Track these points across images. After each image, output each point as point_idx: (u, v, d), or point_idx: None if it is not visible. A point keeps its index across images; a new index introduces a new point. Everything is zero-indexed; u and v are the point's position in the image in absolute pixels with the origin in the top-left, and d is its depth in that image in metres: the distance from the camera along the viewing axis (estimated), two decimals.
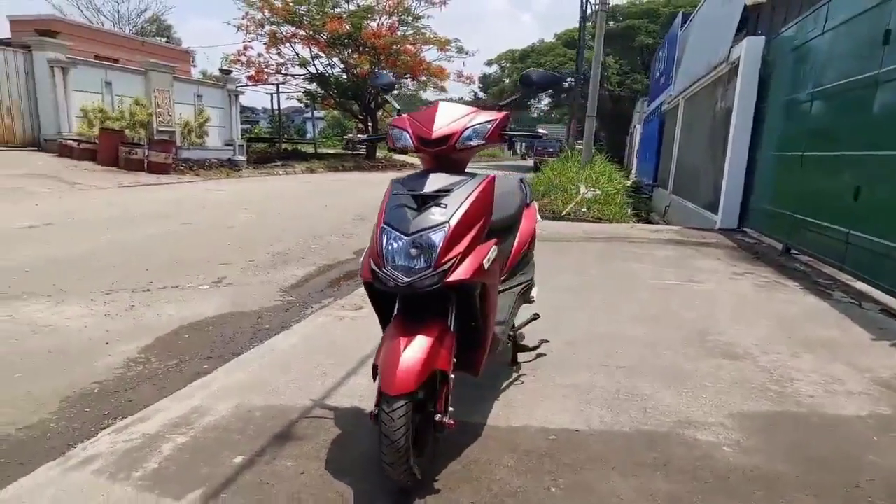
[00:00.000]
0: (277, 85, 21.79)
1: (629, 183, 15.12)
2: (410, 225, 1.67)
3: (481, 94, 42.12)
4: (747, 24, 8.12)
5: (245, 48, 20.65)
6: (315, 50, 21.01)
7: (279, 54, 21.39)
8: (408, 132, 1.89)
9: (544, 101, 37.43)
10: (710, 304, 3.75)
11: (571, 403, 2.26)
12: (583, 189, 8.96)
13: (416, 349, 1.60)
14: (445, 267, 1.63)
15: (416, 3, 21.15)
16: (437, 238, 1.64)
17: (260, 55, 21.23)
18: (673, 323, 3.31)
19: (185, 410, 2.22)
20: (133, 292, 3.90)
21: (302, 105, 36.10)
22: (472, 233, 1.73)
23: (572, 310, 3.57)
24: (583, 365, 2.66)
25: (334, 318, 3.35)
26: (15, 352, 2.83)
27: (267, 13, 19.64)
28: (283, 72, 22.52)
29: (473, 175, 1.88)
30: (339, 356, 2.77)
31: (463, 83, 23.48)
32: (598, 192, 8.87)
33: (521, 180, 2.93)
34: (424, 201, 1.74)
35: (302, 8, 19.71)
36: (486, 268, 1.73)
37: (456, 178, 1.82)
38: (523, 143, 41.25)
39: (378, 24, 21.11)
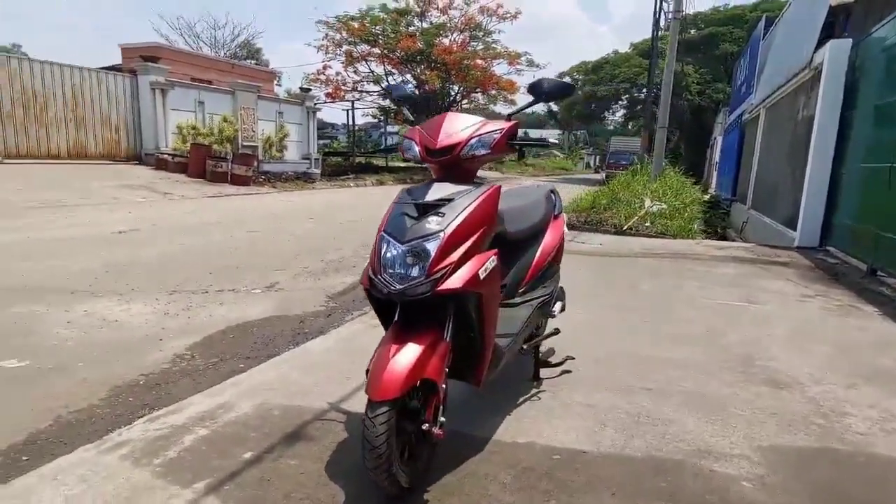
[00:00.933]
0: (352, 101, 22.78)
1: (706, 197, 14.33)
2: (407, 233, 1.70)
3: (554, 107, 41.70)
4: (833, 28, 7.50)
5: (324, 67, 21.80)
6: (388, 67, 21.77)
7: (355, 72, 22.40)
8: (416, 143, 1.93)
9: (619, 113, 36.35)
10: (765, 326, 3.47)
11: (585, 423, 2.18)
12: (647, 203, 8.60)
13: (404, 357, 1.61)
14: (437, 275, 1.64)
15: (487, 19, 21.45)
16: (432, 247, 1.66)
17: (338, 73, 22.32)
18: (716, 346, 3.09)
19: (213, 406, 2.37)
20: (192, 293, 4.21)
21: (377, 120, 37.44)
22: (469, 242, 1.73)
23: (609, 328, 3.44)
24: (607, 385, 2.55)
25: (368, 326, 3.43)
26: (82, 343, 3.14)
27: (345, 34, 20.64)
28: (359, 89, 23.51)
29: (479, 185, 1.88)
30: (364, 362, 2.81)
31: None
32: (664, 206, 8.48)
33: (552, 191, 2.88)
34: (426, 210, 1.76)
35: (377, 28, 20.54)
36: (481, 278, 1.72)
37: (459, 188, 1.83)
38: (597, 156, 40.26)
39: (450, 41, 21.56)
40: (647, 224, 8.00)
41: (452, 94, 23.07)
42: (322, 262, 5.62)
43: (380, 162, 25.57)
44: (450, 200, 1.79)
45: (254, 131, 17.15)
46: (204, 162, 13.75)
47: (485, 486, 1.77)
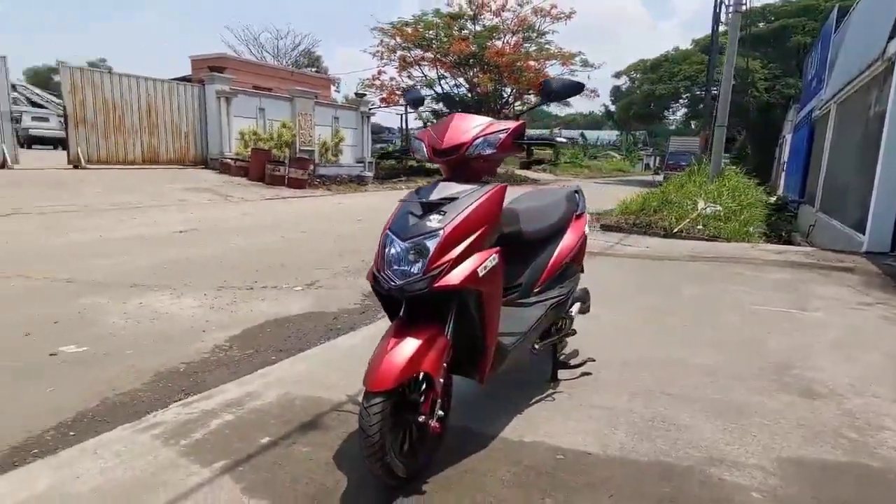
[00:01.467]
0: (406, 105, 23.14)
1: (771, 200, 13.54)
2: (409, 231, 1.76)
3: (612, 107, 40.65)
4: None
5: (379, 73, 22.31)
6: (441, 71, 22.00)
7: (409, 77, 22.77)
8: (424, 143, 1.99)
9: (680, 112, 34.92)
10: (810, 334, 3.27)
11: (596, 426, 2.15)
12: (701, 205, 8.24)
13: (401, 350, 1.67)
14: (435, 272, 1.69)
15: (541, 20, 21.25)
16: (431, 244, 1.70)
17: (392, 79, 22.78)
18: (753, 352, 2.95)
19: (241, 394, 2.51)
20: (238, 290, 4.45)
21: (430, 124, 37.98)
22: (470, 240, 1.76)
23: (643, 332, 3.36)
24: (627, 388, 2.50)
25: None
26: (134, 332, 3.40)
27: (399, 39, 21.06)
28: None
29: (485, 184, 1.91)
30: None
31: (587, 97, 22.89)
32: (719, 208, 8.09)
33: (575, 192, 2.86)
34: (430, 209, 1.81)
35: (430, 32, 20.82)
36: (480, 275, 1.75)
37: (464, 188, 1.87)
38: (656, 157, 38.87)
39: (503, 43, 21.53)
40: (699, 227, 7.67)
41: (505, 96, 23.02)
42: (363, 261, 5.78)
43: (433, 165, 25.87)
44: (453, 199, 1.83)
45: (311, 136, 17.78)
46: (263, 166, 14.40)
47: (483, 481, 1.79)
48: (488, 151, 1.90)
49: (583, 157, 38.25)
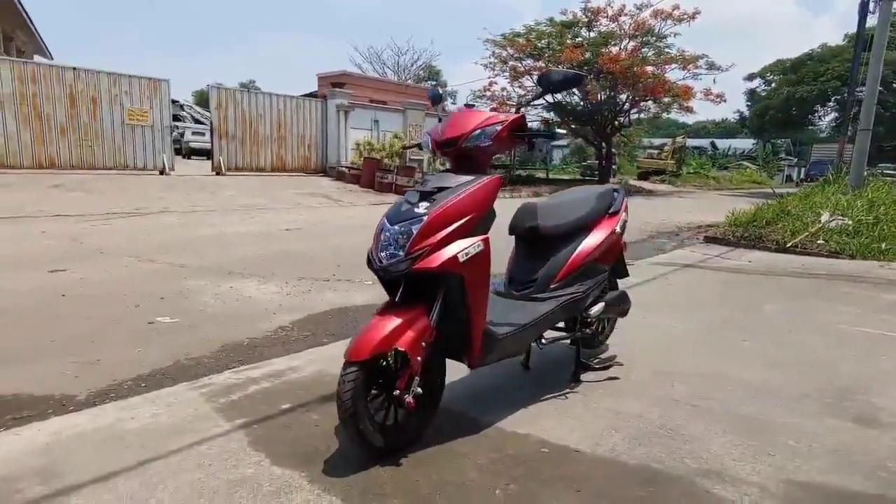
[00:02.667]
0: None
1: None
2: (399, 216, 1.89)
3: (746, 112, 37.13)
4: None
5: (490, 84, 22.62)
6: None
7: (520, 86, 22.79)
8: (430, 137, 2.11)
9: (830, 116, 30.82)
10: None
11: (596, 426, 2.09)
12: (825, 217, 7.29)
13: (380, 327, 1.79)
14: (416, 255, 1.79)
15: (662, 23, 20.12)
16: (414, 228, 1.82)
17: (503, 89, 22.97)
18: (816, 373, 2.63)
19: (285, 367, 2.79)
20: (315, 281, 4.86)
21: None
22: (454, 226, 1.84)
23: (695, 342, 3.14)
24: (650, 395, 2.38)
25: None
26: (218, 310, 3.89)
27: (511, 50, 21.21)
28: (525, 103, 23.85)
29: (481, 176, 1.98)
30: None
31: (712, 101, 21.14)
32: (847, 221, 7.09)
33: (615, 190, 2.78)
34: (425, 198, 1.93)
35: (542, 42, 20.70)
36: (460, 260, 1.82)
37: (461, 178, 1.96)
38: (799, 168, 34.68)
39: (620, 49, 20.74)
40: (819, 241, 6.80)
41: (620, 103, 22.11)
42: None
43: (541, 174, 25.59)
44: (445, 188, 1.93)
45: (420, 147, 18.58)
46: (373, 174, 15.34)
47: (459, 463, 1.85)
48: (485, 143, 1.97)
49: (710, 168, 35.34)
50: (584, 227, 2.52)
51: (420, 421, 1.98)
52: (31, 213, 8.31)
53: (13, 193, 9.91)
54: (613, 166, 31.36)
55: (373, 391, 1.87)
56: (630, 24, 20.57)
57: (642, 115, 24.69)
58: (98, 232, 6.96)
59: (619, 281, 3.01)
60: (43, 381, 2.58)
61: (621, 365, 2.56)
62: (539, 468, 1.79)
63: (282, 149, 16.25)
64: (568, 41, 20.49)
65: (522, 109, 2.15)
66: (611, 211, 2.66)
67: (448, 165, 2.14)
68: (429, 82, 38.97)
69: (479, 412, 2.23)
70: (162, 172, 13.92)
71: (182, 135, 26.66)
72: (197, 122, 32.56)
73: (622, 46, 21.00)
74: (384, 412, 1.89)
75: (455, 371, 2.61)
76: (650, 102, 22.71)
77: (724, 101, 20.83)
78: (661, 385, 2.49)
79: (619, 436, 2.01)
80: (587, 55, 20.37)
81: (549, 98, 23.02)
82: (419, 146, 2.46)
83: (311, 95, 17.48)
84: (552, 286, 2.39)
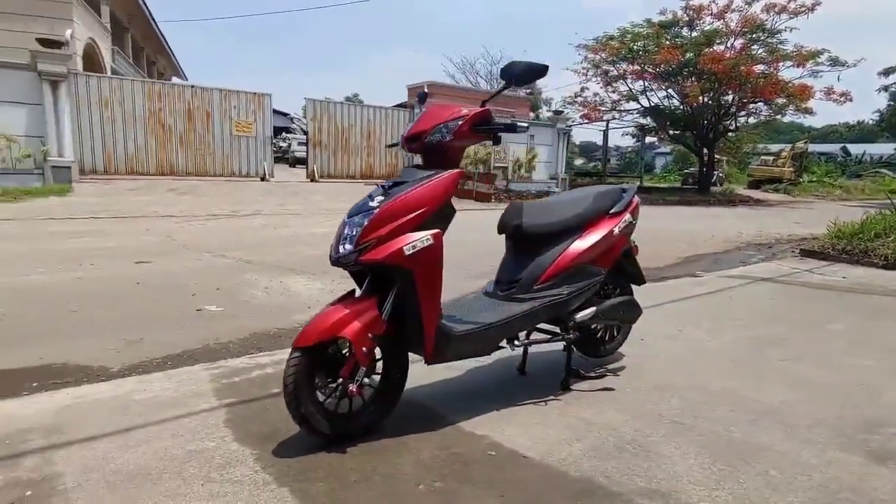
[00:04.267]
0: (607, 122, 22.39)
1: None
2: (356, 210, 1.95)
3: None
4: None
5: (581, 89, 22.03)
6: (647, 82, 20.71)
7: (613, 91, 21.97)
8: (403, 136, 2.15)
9: None
10: None
11: (560, 435, 1.99)
12: None
13: (328, 316, 1.86)
14: (363, 246, 1.84)
15: (775, 17, 18.35)
16: (365, 220, 1.87)
17: (595, 94, 22.27)
18: (847, 401, 2.30)
19: None
20: (344, 278, 5.05)
21: (655, 140, 35.68)
22: (403, 219, 1.86)
23: (724, 358, 2.87)
24: (636, 409, 2.22)
25: None
26: (262, 302, 4.19)
27: (603, 55, 20.52)
28: (618, 108, 22.96)
29: (440, 171, 1.98)
30: None
31: (835, 101, 18.82)
32: None
33: (623, 190, 2.64)
34: (385, 192, 1.98)
35: (638, 44, 19.79)
36: (406, 253, 1.83)
37: (420, 173, 1.99)
38: None
39: (726, 48, 19.26)
40: None
41: (725, 106, 20.46)
42: (490, 266, 5.93)
43: (633, 181, 24.41)
44: (403, 183, 1.96)
45: (505, 153, 18.55)
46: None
47: (403, 456, 1.85)
48: (447, 138, 1.98)
49: (837, 176, 31.54)
50: (575, 228, 2.41)
51: (376, 412, 2.01)
52: (146, 213, 9.46)
53: (138, 196, 11.35)
54: (719, 174, 29.13)
55: (328, 379, 1.94)
56: (738, 21, 19.06)
57: (751, 119, 22.72)
58: (192, 230, 7.76)
59: (686, 292, 2.84)
60: (89, 354, 2.95)
61: (617, 376, 2.41)
62: (475, 469, 1.75)
63: (370, 156, 17.02)
64: (666, 42, 19.39)
65: (488, 104, 2.11)
66: (612, 211, 2.52)
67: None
68: (524, 91, 38.75)
69: (450, 410, 2.21)
70: (263, 179, 15.17)
71: (289, 146, 28.90)
72: (304, 133, 35.14)
73: (728, 45, 19.51)
74: (338, 400, 1.95)
75: (445, 371, 2.62)
76: (760, 104, 20.84)
77: (850, 100, 18.51)
78: (656, 399, 2.31)
79: (578, 446, 1.89)
80: (688, 55, 19.17)
81: (644, 102, 21.97)
82: (398, 144, 2.51)
83: (401, 106, 18.15)
84: (535, 287, 2.31)
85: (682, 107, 21.32)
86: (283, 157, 27.59)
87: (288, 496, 1.60)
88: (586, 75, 21.39)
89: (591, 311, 2.39)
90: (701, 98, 19.43)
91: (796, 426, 2.04)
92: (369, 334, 1.87)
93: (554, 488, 1.63)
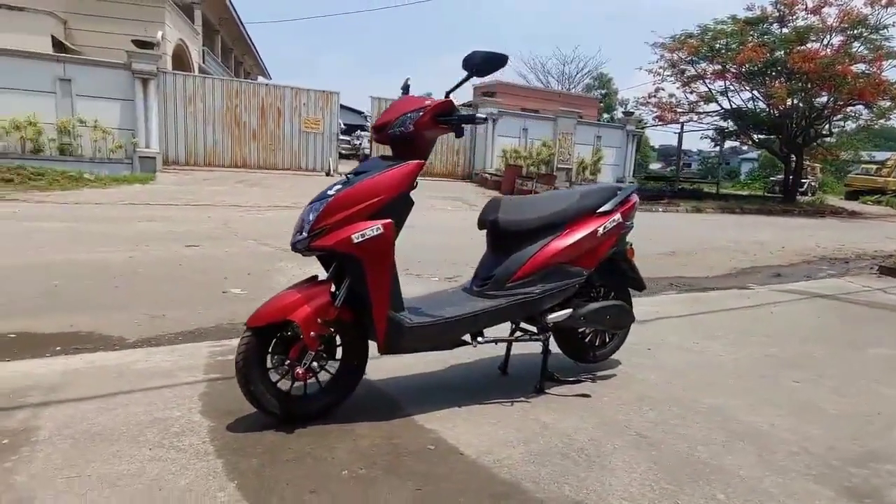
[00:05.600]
0: (682, 124, 21.23)
1: None
2: (316, 198, 1.99)
3: None
4: None
5: (656, 90, 21.05)
6: (727, 83, 19.41)
7: (691, 92, 20.82)
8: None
9: None
10: None
11: (509, 437, 1.94)
12: None
13: (282, 298, 1.93)
14: (315, 233, 1.88)
15: (878, 11, 16.57)
16: (319, 207, 1.91)
17: (671, 95, 21.22)
18: (852, 431, 2.06)
19: None
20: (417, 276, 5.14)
21: (745, 146, 33.50)
22: (356, 208, 1.89)
23: (727, 375, 2.68)
24: (603, 418, 2.12)
25: None
26: (284, 288, 4.36)
27: (682, 54, 19.49)
28: (696, 110, 21.76)
29: (399, 161, 1.99)
30: None
31: None
32: None
33: (618, 189, 2.51)
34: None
35: (720, 42, 18.61)
36: (354, 241, 1.85)
37: (380, 163, 2.01)
38: None
39: (822, 45, 17.67)
40: None
41: (817, 108, 18.75)
42: None
43: (710, 188, 23.03)
44: (363, 172, 1.98)
45: (569, 154, 18.13)
46: (514, 180, 15.40)
47: (344, 442, 1.88)
48: (409, 129, 1.97)
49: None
50: (556, 225, 2.32)
51: (330, 396, 2.05)
52: (213, 202, 10.12)
53: (210, 186, 12.17)
54: (811, 182, 26.81)
55: (282, 360, 1.99)
56: (836, 16, 17.42)
57: (849, 123, 20.70)
58: (248, 219, 8.22)
59: (724, 304, 2.69)
60: (114, 325, 3.21)
61: (594, 381, 2.30)
62: (406, 461, 1.74)
63: (432, 154, 17.20)
64: (751, 40, 18.10)
65: (451, 95, 2.08)
66: (600, 210, 2.40)
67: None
68: (598, 91, 37.70)
69: (411, 403, 2.21)
70: (327, 174, 15.75)
71: (360, 143, 29.85)
72: None
73: (825, 42, 17.89)
74: (292, 382, 2.00)
75: (427, 365, 2.62)
76: (860, 107, 18.94)
77: None
78: (630, 410, 2.18)
79: (522, 449, 1.83)
80: (777, 53, 17.80)
81: (724, 104, 20.62)
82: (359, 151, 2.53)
83: (467, 104, 18.19)
84: (508, 285, 2.26)
85: (767, 109, 19.84)
86: (356, 154, 28.52)
87: (219, 468, 1.67)
88: (661, 75, 20.45)
89: (565, 312, 2.29)
90: (789, 100, 17.99)
91: (775, 452, 1.86)
92: (318, 319, 1.91)
93: (475, 487, 1.59)
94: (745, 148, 37.13)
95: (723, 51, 18.58)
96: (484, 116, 2.31)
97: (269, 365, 1.98)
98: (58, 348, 2.82)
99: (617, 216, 2.42)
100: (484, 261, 2.46)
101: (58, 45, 13.87)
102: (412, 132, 1.98)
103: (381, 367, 2.60)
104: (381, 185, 1.92)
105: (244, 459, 1.73)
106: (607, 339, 2.68)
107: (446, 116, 2.02)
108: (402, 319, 1.99)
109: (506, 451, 1.82)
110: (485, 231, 2.51)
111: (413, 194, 2.06)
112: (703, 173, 39.66)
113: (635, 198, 2.59)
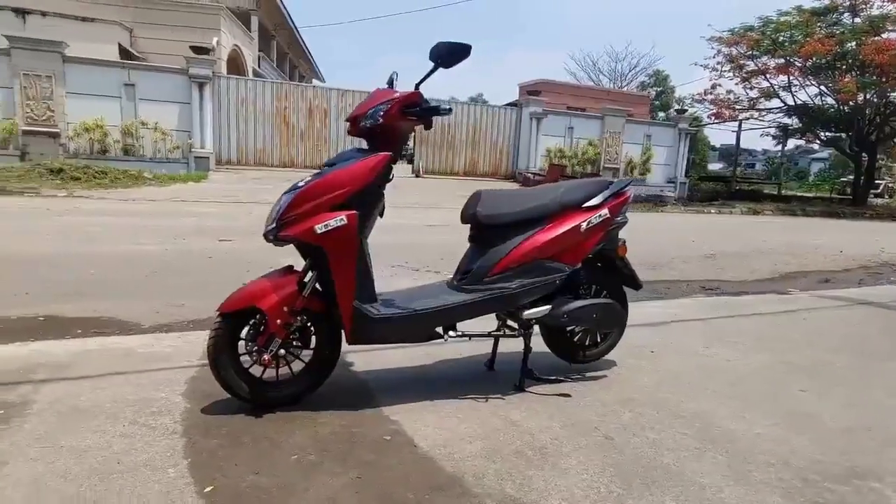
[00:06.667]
0: (740, 122, 20.15)
1: None
2: (288, 189, 2.04)
3: None
4: None
5: (713, 86, 20.14)
6: (791, 77, 18.26)
7: (751, 88, 19.77)
8: None
9: None
10: None
11: (469, 430, 1.93)
12: None
13: (252, 286, 1.99)
14: (283, 222, 1.93)
15: None
16: (288, 198, 1.96)
17: (729, 91, 20.25)
18: (844, 445, 1.90)
19: None
20: (403, 268, 5.19)
21: (805, 144, 31.53)
22: (322, 199, 1.92)
23: (727, 381, 2.54)
24: (574, 418, 2.07)
25: None
26: None
27: (741, 48, 18.54)
28: (757, 106, 20.64)
29: (368, 153, 2.01)
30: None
31: None
32: None
33: (610, 183, 2.44)
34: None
35: (784, 34, 17.56)
36: (317, 232, 1.89)
37: (353, 155, 2.03)
38: None
39: None
40: None
41: (894, 103, 17.34)
42: None
43: (771, 189, 21.78)
44: (335, 164, 2.02)
45: (617, 153, 17.63)
46: (556, 180, 15.15)
47: (306, 428, 1.92)
48: (379, 121, 1.99)
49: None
50: (537, 220, 2.27)
51: (301, 384, 2.09)
52: (257, 199, 10.52)
53: (258, 184, 12.67)
54: (889, 184, 24.88)
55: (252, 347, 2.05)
56: None
57: None
58: None
59: (754, 308, 2.60)
60: (134, 312, 3.40)
61: (573, 381, 2.23)
62: (357, 449, 1.76)
63: (474, 154, 17.20)
64: (818, 31, 16.98)
65: (421, 87, 2.08)
66: (586, 205, 2.32)
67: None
68: (653, 89, 36.47)
69: (385, 394, 2.23)
70: None
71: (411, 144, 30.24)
72: None
73: None
74: (263, 369, 2.05)
75: (415, 358, 2.63)
76: None
77: None
78: (606, 412, 2.10)
79: (479, 445, 1.81)
80: (847, 45, 16.62)
81: (788, 100, 19.43)
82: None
83: (512, 104, 18.06)
84: (486, 279, 2.23)
85: (835, 105, 18.55)
86: (404, 154, 28.98)
87: (180, 446, 1.75)
88: (719, 71, 19.55)
89: (543, 309, 2.24)
90: (860, 95, 16.75)
91: (749, 462, 1.74)
92: (285, 308, 1.96)
93: (415, 478, 1.59)
94: (815, 147, 34.91)
95: (786, 44, 17.54)
96: (449, 107, 2.26)
97: (242, 350, 2.04)
98: (78, 331, 3.02)
99: (604, 211, 2.34)
100: (465, 255, 2.44)
101: (124, 52, 14.84)
102: (381, 124, 1.99)
103: (367, 359, 2.63)
104: (345, 176, 1.95)
105: (205, 440, 1.79)
106: (599, 339, 2.59)
107: (414, 108, 2.02)
108: (368, 310, 2.01)
109: (461, 445, 1.80)
110: (468, 226, 2.49)
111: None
112: (767, 174, 37.59)
113: (629, 192, 2.49)
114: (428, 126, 2.13)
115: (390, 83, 2.57)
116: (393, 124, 2.02)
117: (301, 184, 1.99)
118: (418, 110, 2.03)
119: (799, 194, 23.10)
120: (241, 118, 14.60)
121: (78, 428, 1.85)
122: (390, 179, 2.14)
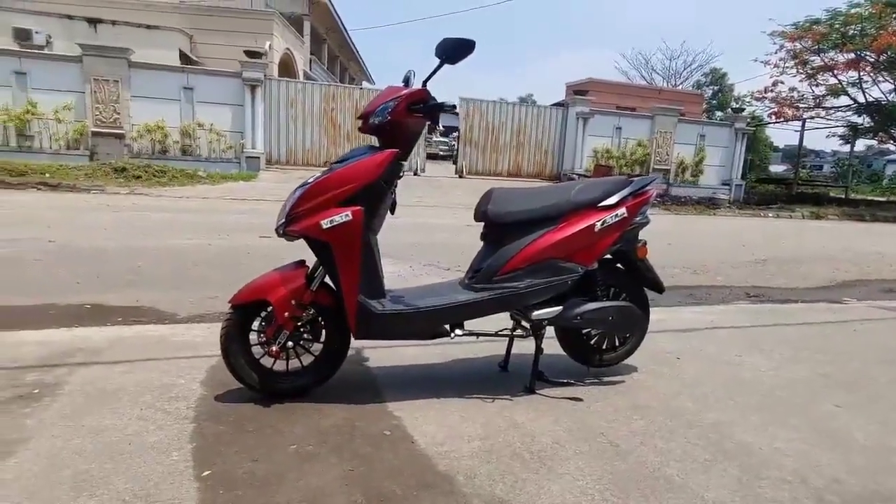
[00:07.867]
0: (803, 121, 19.00)
1: None
2: (299, 185, 2.09)
3: None
4: None
5: (774, 83, 19.13)
6: (861, 73, 17.08)
7: (816, 85, 18.64)
8: None
9: None
10: None
11: (471, 430, 1.92)
12: None
13: (262, 279, 2.05)
14: (291, 218, 1.98)
15: None
16: (298, 194, 2.00)
17: (792, 89, 19.17)
18: (871, 466, 1.75)
19: None
20: (434, 267, 5.20)
21: (877, 144, 29.40)
22: (328, 195, 1.96)
23: (756, 392, 2.41)
24: (579, 424, 2.01)
25: None
26: None
27: (807, 42, 17.51)
28: (824, 104, 19.46)
29: (375, 150, 2.03)
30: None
31: None
32: None
33: (627, 182, 2.36)
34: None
35: (854, 27, 16.46)
36: (323, 227, 1.92)
37: (364, 152, 2.06)
38: None
39: None
40: None
41: None
42: None
43: (839, 193, 20.44)
44: (345, 160, 2.05)
45: (668, 154, 17.03)
46: None
47: (309, 420, 1.96)
48: (387, 119, 2.01)
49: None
50: (550, 219, 2.22)
51: (310, 376, 2.13)
52: None
53: None
54: None
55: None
56: None
57: None
58: None
59: (801, 318, 2.51)
60: (172, 302, 3.58)
61: (586, 385, 2.16)
62: (355, 443, 1.78)
63: (519, 155, 17.04)
64: (893, 23, 15.82)
65: (428, 84, 2.07)
66: (602, 204, 2.26)
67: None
68: (709, 87, 35.03)
69: (393, 390, 2.25)
70: (415, 173, 16.19)
71: (454, 144, 30.28)
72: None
73: None
74: (274, 360, 2.11)
75: (431, 356, 2.64)
76: None
77: None
78: (617, 418, 2.04)
79: (476, 444, 1.79)
80: None
81: (859, 97, 18.18)
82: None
83: (558, 104, 17.78)
84: (495, 278, 2.20)
85: None
86: (449, 154, 28.99)
87: (189, 430, 1.82)
88: (781, 67, 18.55)
89: (554, 310, 2.19)
90: None
91: (762, 478, 1.64)
92: (292, 301, 2.00)
93: (407, 474, 1.59)
94: (891, 148, 32.45)
95: (857, 37, 16.44)
96: (454, 104, 2.25)
97: (254, 341, 2.10)
98: (119, 319, 3.20)
99: (621, 210, 2.27)
100: (478, 254, 2.42)
101: (184, 57, 15.63)
102: (389, 121, 2.01)
103: (381, 355, 2.66)
104: (352, 173, 1.97)
105: (212, 426, 1.86)
106: (617, 343, 2.51)
107: (420, 105, 2.02)
108: (373, 306, 2.03)
109: (459, 444, 1.79)
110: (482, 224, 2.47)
111: None
112: (835, 176, 35.32)
113: (651, 192, 2.40)
114: (435, 123, 2.12)
115: (406, 81, 2.59)
116: (401, 121, 2.03)
117: (310, 180, 2.03)
118: (422, 107, 2.03)
119: (869, 198, 21.55)
120: (290, 119, 15.06)
121: (101, 409, 1.96)
122: (400, 176, 2.15)
